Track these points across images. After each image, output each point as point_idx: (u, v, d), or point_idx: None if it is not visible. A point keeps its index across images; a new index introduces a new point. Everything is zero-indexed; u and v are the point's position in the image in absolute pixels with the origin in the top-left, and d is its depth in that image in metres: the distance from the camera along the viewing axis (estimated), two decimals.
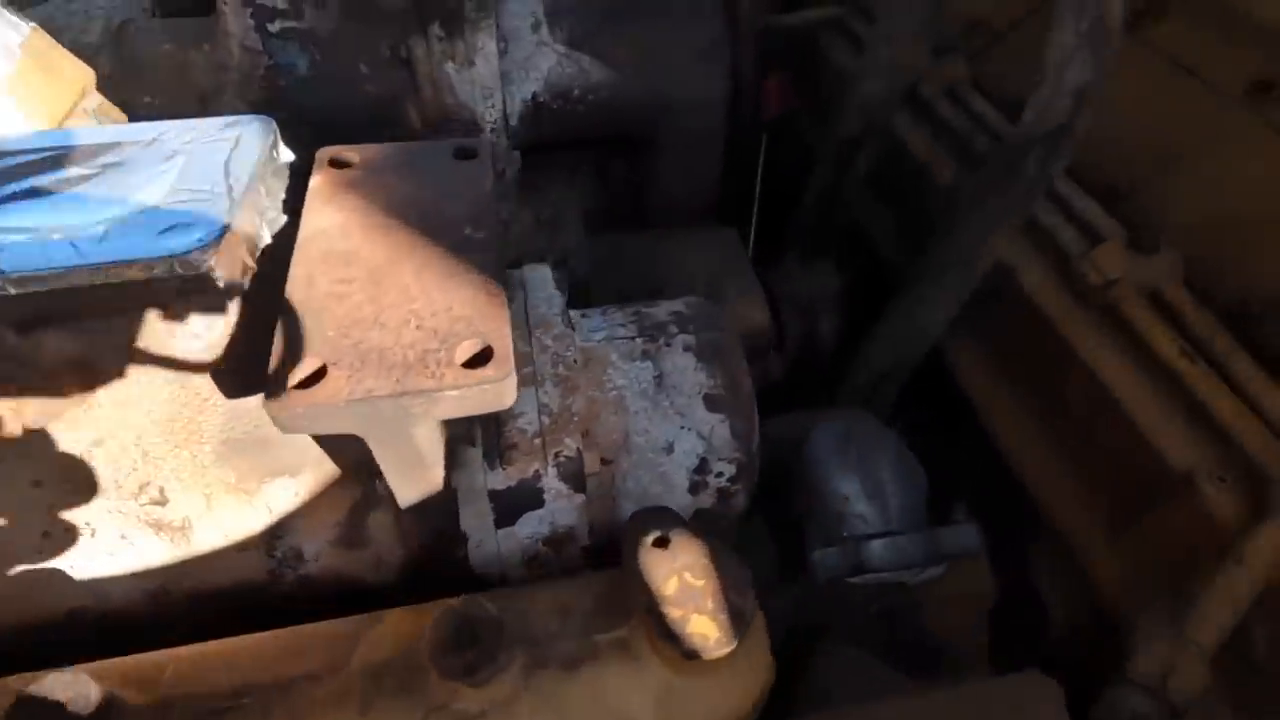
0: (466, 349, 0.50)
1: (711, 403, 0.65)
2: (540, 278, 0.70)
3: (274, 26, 1.06)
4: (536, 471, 0.58)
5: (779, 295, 1.28)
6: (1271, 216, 1.04)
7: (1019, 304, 1.07)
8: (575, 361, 0.63)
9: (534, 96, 1.24)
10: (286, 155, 0.66)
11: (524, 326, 0.65)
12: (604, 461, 0.63)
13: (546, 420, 0.59)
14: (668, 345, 0.67)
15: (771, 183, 1.63)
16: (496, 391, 0.49)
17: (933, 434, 1.30)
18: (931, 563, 0.95)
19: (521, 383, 0.61)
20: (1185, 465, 0.83)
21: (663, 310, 0.71)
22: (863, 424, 1.07)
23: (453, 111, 1.21)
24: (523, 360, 0.63)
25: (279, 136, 0.66)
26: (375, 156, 0.68)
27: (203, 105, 1.12)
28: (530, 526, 0.60)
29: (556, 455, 0.58)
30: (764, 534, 0.98)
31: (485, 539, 0.60)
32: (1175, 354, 0.87)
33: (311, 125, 1.15)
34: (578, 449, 0.58)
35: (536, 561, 0.63)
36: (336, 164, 0.68)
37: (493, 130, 1.26)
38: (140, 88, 1.13)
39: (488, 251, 0.57)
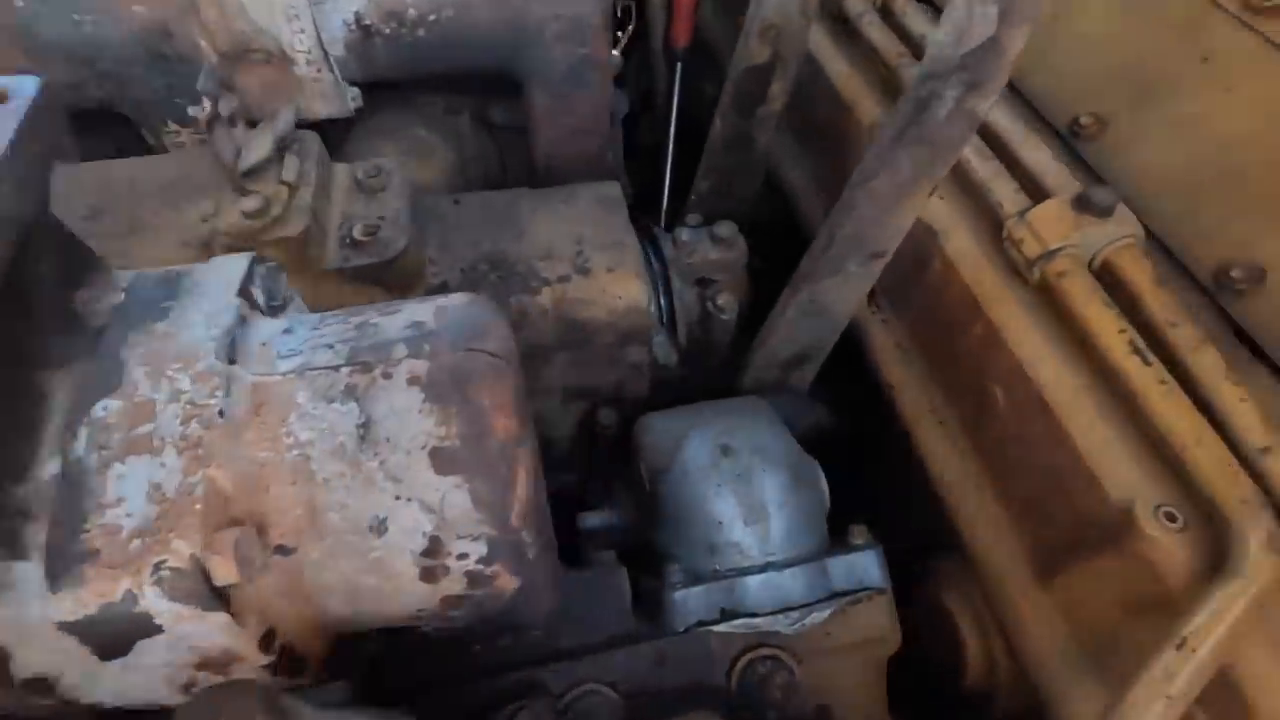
0: None
1: (442, 460, 0.46)
2: (217, 281, 0.49)
3: None
4: (129, 592, 0.39)
5: (671, 266, 1.07)
6: (1272, 157, 0.82)
7: (941, 276, 0.86)
8: (223, 413, 0.43)
9: (357, 19, 0.99)
10: None
11: (160, 362, 0.45)
12: (282, 550, 0.44)
13: (155, 510, 0.39)
14: (385, 377, 0.47)
15: (690, 127, 1.39)
16: None
17: (865, 417, 1.11)
18: (819, 603, 0.77)
19: (128, 451, 0.41)
20: (1126, 497, 0.64)
21: (400, 320, 0.50)
22: (750, 424, 0.88)
23: (250, 40, 0.97)
24: (140, 415, 0.43)
25: None
26: None
27: None
28: (158, 654, 0.41)
29: (159, 566, 0.38)
30: (619, 572, 0.80)
31: (89, 677, 0.41)
32: (1123, 350, 0.67)
33: (63, 60, 0.91)
34: (193, 554, 0.39)
35: (197, 686, 0.45)
36: None
37: (309, 63, 1.02)
38: None
39: None
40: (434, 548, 0.47)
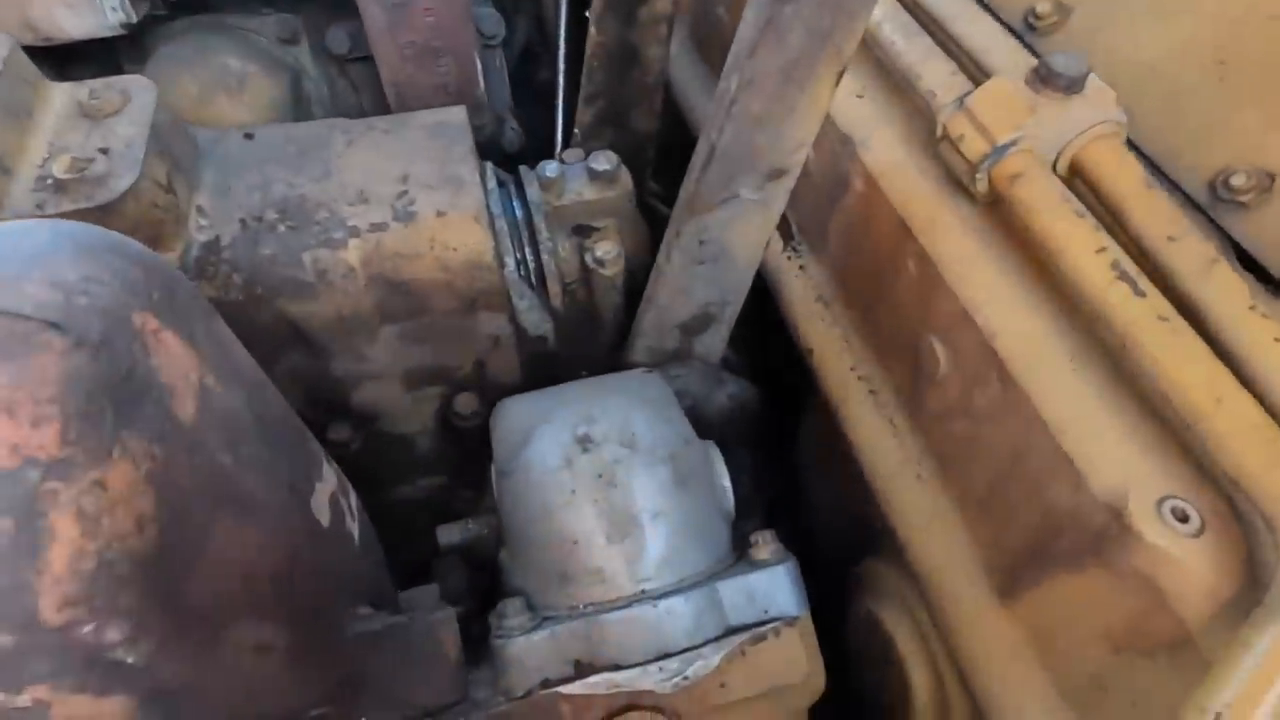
0: None
1: None
2: None
3: None
4: None
5: (536, 210, 0.85)
6: None
7: (862, 199, 0.65)
8: None
9: None
10: None
11: None
12: None
13: None
14: None
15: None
16: None
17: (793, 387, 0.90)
18: (708, 644, 0.57)
19: None
20: (1115, 487, 0.44)
21: None
22: (622, 405, 0.67)
23: None
24: None
25: None
26: None
27: None
28: None
29: None
30: (442, 617, 0.59)
31: None
32: (1105, 276, 0.47)
33: None
34: None
35: None
36: None
37: None
38: None
39: None
40: None
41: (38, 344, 0.28)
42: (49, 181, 0.60)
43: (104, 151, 0.63)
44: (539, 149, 1.30)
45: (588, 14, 0.90)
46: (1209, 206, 0.60)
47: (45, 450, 0.27)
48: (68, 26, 0.81)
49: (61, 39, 0.83)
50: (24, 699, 0.27)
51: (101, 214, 0.60)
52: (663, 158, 1.09)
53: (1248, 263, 0.59)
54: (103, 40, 0.90)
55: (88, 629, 0.28)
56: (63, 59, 0.92)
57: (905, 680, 0.64)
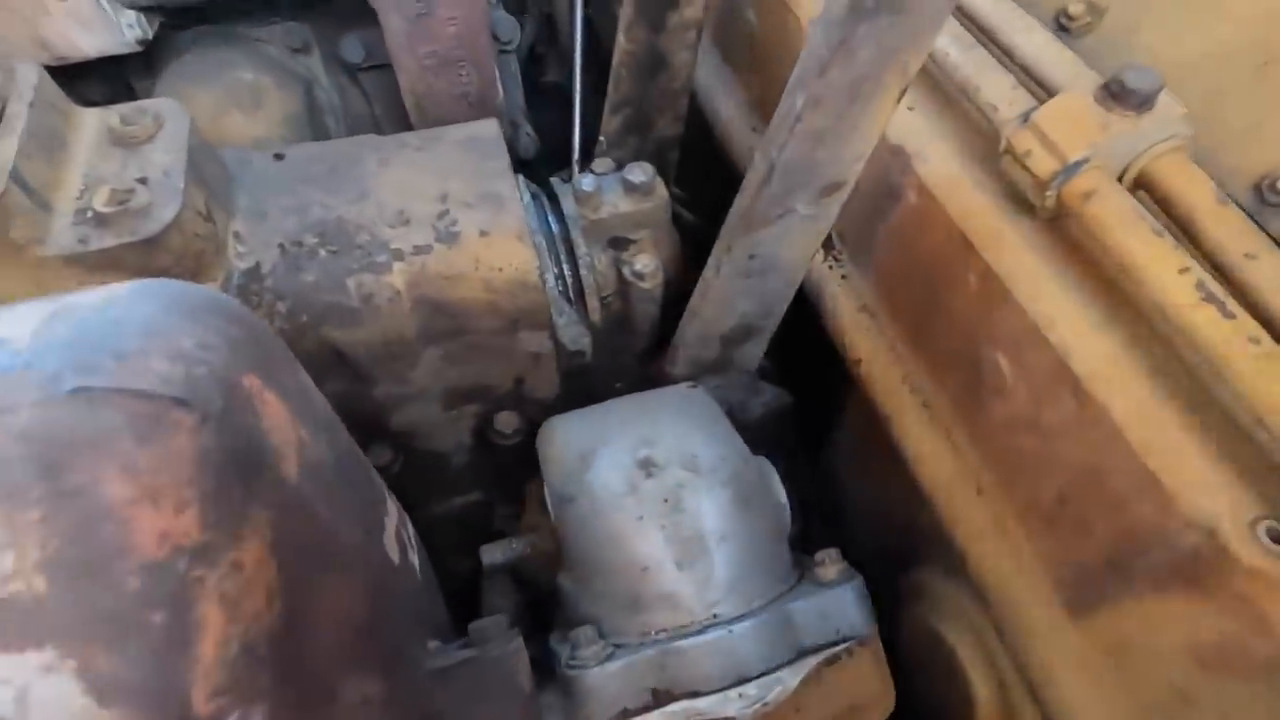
0: None
1: (8, 621, 0.23)
2: None
3: None
4: None
5: (573, 225, 0.84)
6: None
7: (917, 213, 0.65)
8: None
9: None
10: None
11: None
12: None
13: None
14: None
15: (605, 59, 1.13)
16: None
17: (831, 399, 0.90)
18: (784, 666, 0.57)
19: None
20: (1207, 509, 0.44)
21: None
22: (679, 426, 0.66)
23: None
24: None
25: None
26: None
27: None
28: None
29: None
30: (512, 647, 0.58)
31: None
32: (1189, 297, 0.47)
33: None
34: None
35: None
36: None
37: None
38: None
39: None
40: None
41: (170, 423, 0.27)
42: (89, 215, 0.58)
43: (143, 181, 0.61)
44: (550, 153, 1.28)
45: (591, 12, 0.88)
46: (1256, 211, 0.60)
47: (189, 536, 0.26)
48: (83, 45, 0.78)
49: (77, 58, 0.80)
50: None
51: (147, 247, 0.58)
52: (683, 162, 1.07)
53: None
54: (111, 57, 0.87)
55: (234, 716, 0.27)
56: (71, 75, 0.89)
57: (968, 693, 0.65)
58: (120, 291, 0.31)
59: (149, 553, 0.25)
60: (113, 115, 0.65)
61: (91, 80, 0.92)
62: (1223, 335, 0.44)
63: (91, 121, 0.65)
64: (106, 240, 0.57)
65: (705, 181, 1.06)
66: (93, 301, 0.29)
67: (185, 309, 0.32)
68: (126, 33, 0.79)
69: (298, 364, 0.44)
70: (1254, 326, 0.45)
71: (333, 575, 0.38)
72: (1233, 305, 0.45)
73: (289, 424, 0.36)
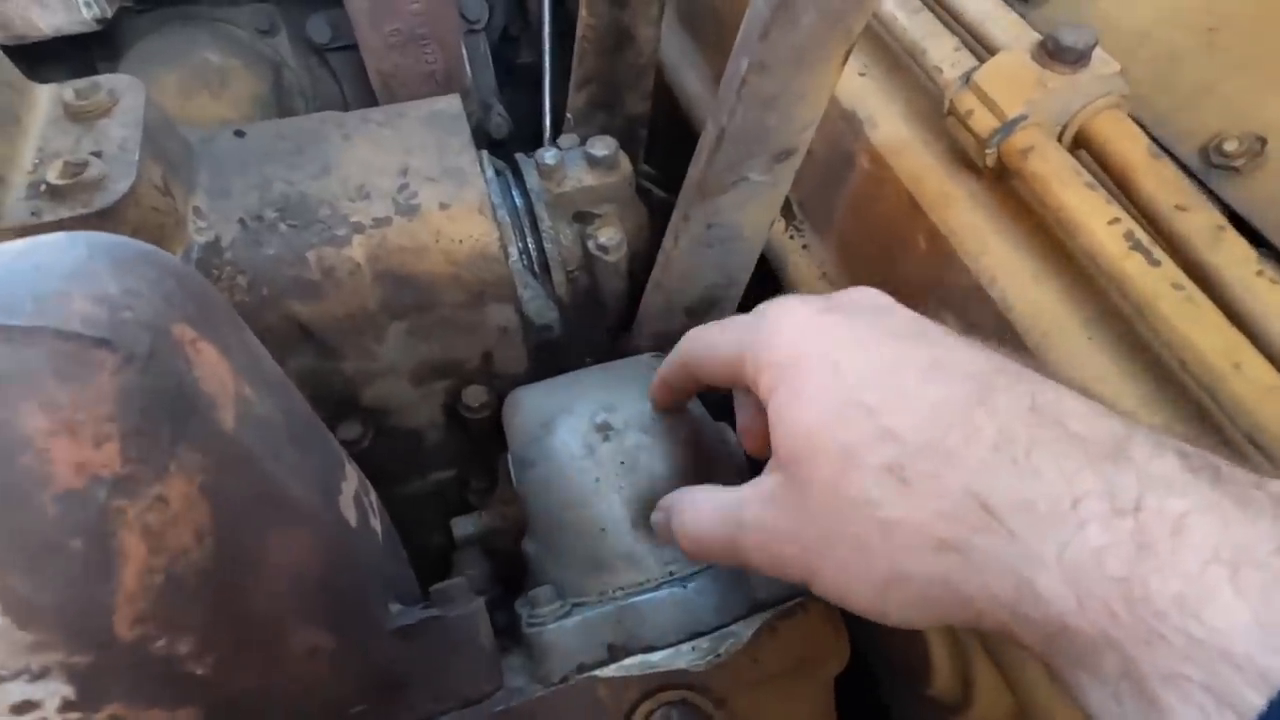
0: None
1: None
2: None
3: None
4: None
5: (536, 198, 0.84)
6: None
7: (869, 177, 0.66)
8: None
9: None
10: None
11: None
12: None
13: None
14: None
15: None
16: None
17: None
18: (738, 620, 0.58)
19: None
20: None
21: None
22: (638, 392, 0.67)
23: None
24: None
25: None
26: None
27: None
28: None
29: None
30: (472, 609, 0.59)
31: None
32: (1119, 247, 0.47)
33: None
34: None
35: None
36: None
37: None
38: None
39: None
40: None
41: (91, 362, 0.28)
42: (43, 188, 0.59)
43: (97, 154, 0.61)
44: (524, 134, 1.28)
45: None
46: (1202, 173, 0.61)
47: (109, 468, 0.27)
48: (41, 23, 0.78)
49: (35, 36, 0.80)
50: (101, 716, 0.27)
51: (101, 219, 0.58)
52: (652, 139, 1.08)
53: (1240, 228, 0.61)
54: (74, 38, 0.87)
55: (160, 644, 0.28)
56: (34, 58, 0.89)
57: (925, 650, 0.66)
58: (47, 239, 0.32)
59: (67, 482, 0.26)
60: (67, 90, 0.65)
61: (56, 64, 0.92)
62: (1149, 282, 0.45)
63: (45, 96, 0.65)
64: (60, 212, 0.58)
65: (675, 158, 1.06)
66: (18, 248, 0.30)
67: (114, 258, 0.33)
68: (84, 11, 0.79)
69: (245, 328, 0.44)
70: (1178, 274, 0.46)
71: (282, 528, 0.39)
72: (1159, 253, 0.46)
73: (227, 376, 0.36)
